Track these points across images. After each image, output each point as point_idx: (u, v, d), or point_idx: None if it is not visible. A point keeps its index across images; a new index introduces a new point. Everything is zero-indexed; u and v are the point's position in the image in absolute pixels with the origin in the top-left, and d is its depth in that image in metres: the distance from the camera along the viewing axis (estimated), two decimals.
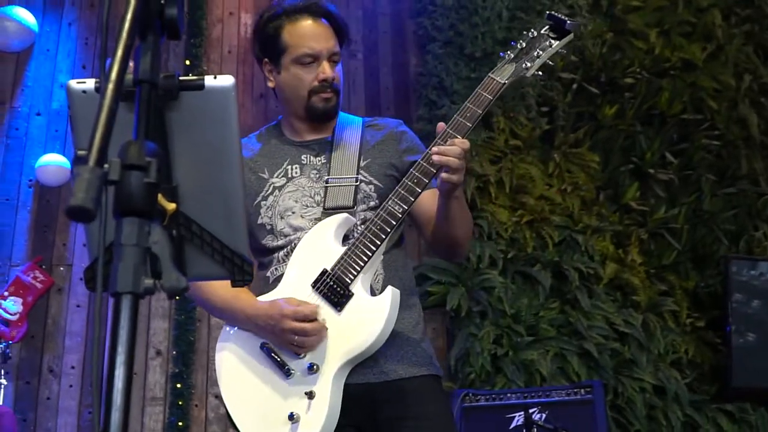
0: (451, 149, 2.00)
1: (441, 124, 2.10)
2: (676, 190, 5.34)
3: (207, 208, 1.24)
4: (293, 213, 2.24)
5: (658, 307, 5.01)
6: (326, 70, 2.24)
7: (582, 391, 3.64)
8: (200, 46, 5.01)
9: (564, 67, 5.11)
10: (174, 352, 4.54)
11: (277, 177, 2.29)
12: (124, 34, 0.98)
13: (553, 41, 2.13)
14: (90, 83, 1.20)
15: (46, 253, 4.67)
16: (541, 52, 2.12)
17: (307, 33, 2.25)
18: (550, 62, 2.15)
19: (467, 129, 2.06)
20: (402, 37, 5.43)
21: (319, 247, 2.16)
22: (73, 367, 4.54)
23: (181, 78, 1.17)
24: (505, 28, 5.10)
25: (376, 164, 2.28)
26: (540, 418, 3.39)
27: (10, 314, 4.49)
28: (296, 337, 2.06)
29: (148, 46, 1.07)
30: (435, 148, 2.03)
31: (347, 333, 2.07)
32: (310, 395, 2.04)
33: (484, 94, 2.10)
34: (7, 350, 4.19)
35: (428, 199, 2.20)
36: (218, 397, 4.54)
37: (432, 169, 2.05)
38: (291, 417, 2.04)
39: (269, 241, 2.27)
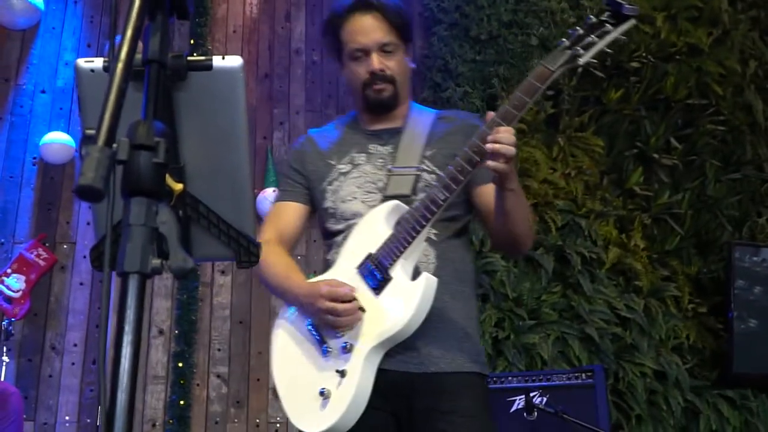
0: (504, 136, 1.98)
1: (490, 113, 2.07)
2: (680, 176, 5.33)
3: (214, 188, 1.24)
4: (354, 198, 2.29)
5: (661, 292, 5.01)
6: (373, 62, 2.29)
7: (583, 375, 3.64)
8: (205, 25, 4.99)
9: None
10: (176, 332, 4.56)
11: (343, 163, 2.36)
12: (134, 14, 0.98)
13: (610, 27, 2.04)
14: (98, 62, 1.20)
15: (49, 231, 4.68)
16: (596, 39, 2.04)
17: (356, 28, 2.30)
18: (608, 50, 2.05)
19: (515, 117, 2.03)
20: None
21: (369, 232, 2.20)
22: (75, 345, 4.56)
23: (189, 58, 1.16)
24: (511, 11, 5.07)
25: (440, 155, 2.29)
26: (541, 401, 3.40)
27: (13, 291, 4.50)
28: (329, 317, 2.11)
29: (157, 25, 1.06)
30: (490, 136, 2.00)
31: (381, 316, 2.10)
32: (342, 373, 2.09)
33: (534, 82, 2.04)
34: (10, 327, 4.21)
35: (492, 193, 2.19)
36: (219, 376, 4.56)
37: (476, 158, 2.03)
38: (322, 393, 2.10)
39: (331, 225, 2.34)
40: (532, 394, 3.44)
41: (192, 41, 4.94)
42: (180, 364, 4.48)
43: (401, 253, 2.10)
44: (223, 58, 1.19)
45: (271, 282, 2.34)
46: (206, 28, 5.01)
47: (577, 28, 2.07)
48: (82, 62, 1.21)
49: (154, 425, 4.44)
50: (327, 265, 2.33)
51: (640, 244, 5.06)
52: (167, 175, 1.04)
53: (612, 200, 5.11)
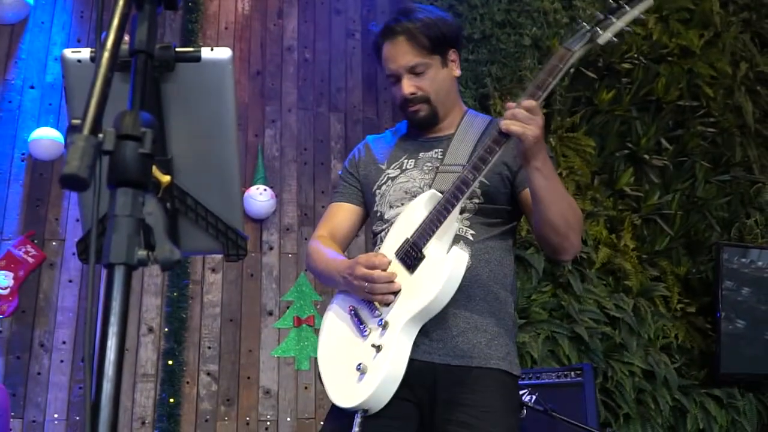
0: (514, 110, 2.05)
1: (510, 104, 2.11)
2: (670, 177, 5.35)
3: (202, 181, 1.24)
4: (402, 204, 2.35)
5: (650, 292, 5.03)
6: (402, 88, 2.37)
7: (572, 373, 3.66)
8: (196, 21, 4.97)
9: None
10: (166, 329, 4.54)
11: (392, 168, 2.44)
12: (121, 3, 0.97)
13: (628, 7, 2.12)
14: (85, 53, 1.19)
15: (38, 228, 4.65)
16: (614, 19, 2.11)
17: (387, 56, 2.39)
18: (628, 28, 2.14)
19: (538, 97, 2.08)
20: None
21: (407, 221, 2.27)
22: (64, 342, 4.53)
23: (177, 49, 1.16)
24: (504, 11, 5.08)
25: None
26: (530, 399, 3.40)
27: (1, 288, 4.48)
28: (366, 284, 2.18)
29: (145, 15, 1.05)
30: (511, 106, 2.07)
31: (414, 291, 2.15)
32: (378, 348, 2.14)
33: (556, 63, 2.10)
34: None
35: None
36: (210, 374, 4.55)
37: (502, 137, 2.09)
38: (358, 367, 2.15)
39: (378, 226, 2.42)
40: (521, 392, 3.44)
41: (183, 37, 4.92)
42: (170, 362, 4.47)
43: (434, 233, 2.16)
44: (212, 50, 1.18)
45: (319, 267, 2.41)
46: (197, 25, 4.99)
47: (598, 12, 2.15)
48: (69, 53, 1.20)
49: (143, 423, 4.43)
50: None
51: (630, 245, 5.08)
52: (154, 167, 1.03)
53: (602, 200, 5.12)
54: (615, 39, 2.13)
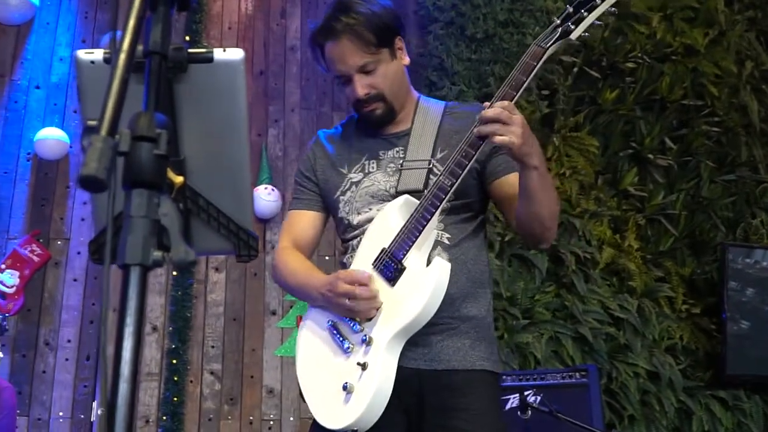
0: (488, 111, 1.98)
1: (486, 104, 2.05)
2: (674, 176, 5.34)
3: (214, 182, 1.24)
4: (369, 209, 2.28)
5: (654, 292, 5.02)
6: (355, 89, 2.26)
7: (577, 374, 3.65)
8: (200, 22, 4.98)
9: (565, 49, 5.09)
10: (170, 328, 4.55)
11: (354, 172, 2.34)
12: (137, 4, 0.97)
13: (598, 1, 2.04)
14: (98, 54, 1.19)
15: (43, 227, 4.66)
16: (586, 14, 2.05)
17: (333, 56, 2.27)
18: (598, 22, 2.07)
19: (512, 97, 2.03)
20: (403, 18, 5.40)
21: (382, 229, 2.20)
22: (69, 341, 4.54)
23: (190, 50, 1.16)
24: (507, 10, 5.08)
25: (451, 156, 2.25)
26: (535, 400, 3.40)
27: (7, 287, 4.49)
28: (347, 301, 2.11)
29: (159, 17, 1.06)
30: (485, 110, 2.01)
31: (397, 305, 2.10)
32: (363, 366, 2.08)
33: (529, 61, 2.05)
34: (4, 323, 4.19)
35: (511, 184, 2.19)
36: (213, 373, 4.56)
37: (478, 141, 2.03)
38: (345, 387, 2.09)
39: (347, 233, 2.33)
40: (526, 393, 3.45)
41: (187, 38, 4.93)
42: (174, 361, 4.47)
43: (413, 243, 2.10)
44: (224, 51, 1.18)
45: (291, 282, 2.34)
46: (201, 25, 5.00)
47: (567, 6, 2.09)
48: (82, 54, 1.20)
49: (147, 422, 4.43)
50: (344, 268, 2.31)
51: (634, 245, 5.07)
52: (168, 168, 1.03)
53: (606, 200, 5.12)
54: (587, 33, 2.08)
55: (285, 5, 5.35)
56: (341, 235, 2.38)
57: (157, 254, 0.96)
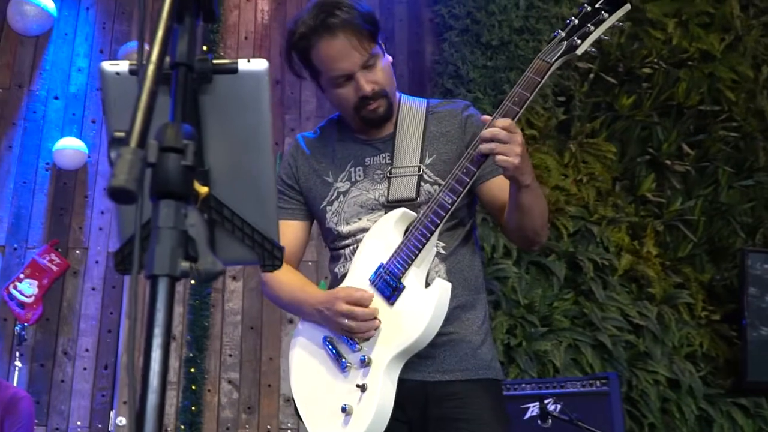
0: (486, 131, 1.94)
1: (486, 117, 2.01)
2: (692, 182, 5.31)
3: (238, 192, 1.23)
4: (359, 219, 2.22)
5: (674, 299, 4.99)
6: (363, 86, 2.15)
7: (598, 382, 3.63)
8: (217, 32, 5.00)
9: (581, 56, 5.08)
10: (188, 337, 4.56)
11: (341, 181, 2.27)
12: (164, 16, 0.97)
13: (606, 14, 1.99)
14: (123, 65, 1.20)
15: (62, 237, 4.69)
16: (592, 28, 1.99)
17: (331, 55, 2.13)
18: (605, 36, 2.02)
19: (515, 114, 1.98)
20: (418, 25, 5.42)
21: (379, 242, 2.15)
22: (87, 350, 4.56)
23: (214, 61, 1.16)
24: (522, 17, 5.08)
25: (440, 161, 2.21)
26: (555, 409, 3.38)
27: (26, 296, 4.51)
28: (346, 321, 2.06)
29: (185, 28, 1.06)
30: (484, 129, 1.96)
31: (397, 326, 2.05)
32: (363, 388, 2.04)
33: (532, 76, 2.00)
34: (23, 332, 4.22)
35: (500, 187, 2.16)
36: (231, 382, 4.56)
37: (480, 157, 1.98)
38: (344, 409, 2.05)
39: (337, 242, 2.28)
40: (546, 402, 3.42)
41: (204, 48, 4.95)
42: (192, 370, 4.48)
43: (412, 261, 2.06)
44: (249, 61, 1.18)
45: (285, 297, 2.29)
46: (218, 35, 5.02)
47: (572, 18, 2.03)
48: (107, 65, 1.20)
49: (165, 431, 4.44)
50: (336, 277, 2.27)
51: (653, 251, 5.05)
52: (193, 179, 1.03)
53: (624, 207, 5.10)
54: (593, 49, 2.02)
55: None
56: (329, 244, 2.32)
57: (184, 265, 0.96)
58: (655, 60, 5.29)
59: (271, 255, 1.27)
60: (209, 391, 4.57)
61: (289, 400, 4.65)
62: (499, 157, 1.93)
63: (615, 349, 4.64)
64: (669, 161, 5.25)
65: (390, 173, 2.21)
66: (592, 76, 5.18)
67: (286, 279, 2.26)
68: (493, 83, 4.98)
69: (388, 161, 2.24)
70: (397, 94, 2.31)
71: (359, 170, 2.26)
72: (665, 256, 5.12)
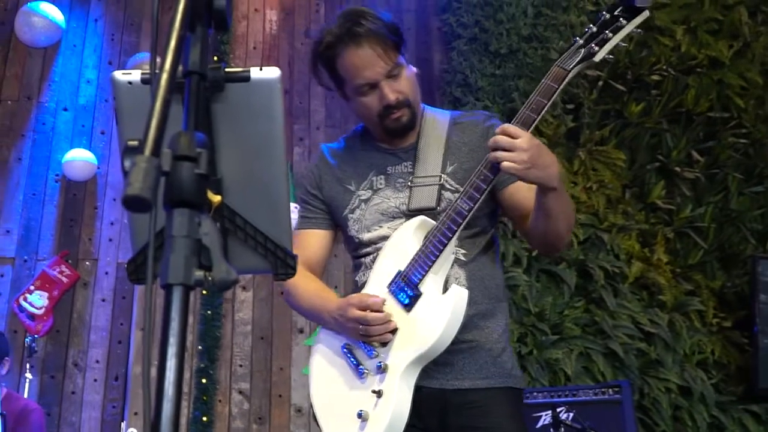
0: (498, 139, 1.95)
1: (504, 126, 2.01)
2: (702, 189, 5.30)
3: (251, 200, 1.23)
4: (380, 227, 2.24)
5: (685, 306, 4.98)
6: (387, 95, 2.17)
7: (610, 391, 3.61)
8: (226, 42, 5.02)
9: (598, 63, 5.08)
10: (199, 347, 4.55)
11: (363, 189, 2.28)
12: (177, 25, 0.97)
13: (624, 21, 2.00)
14: (136, 74, 1.20)
15: (72, 248, 4.70)
16: (610, 35, 1.99)
17: (356, 64, 2.16)
18: (622, 43, 2.02)
19: (533, 120, 1.98)
20: (427, 34, 5.43)
21: (397, 250, 2.16)
22: (97, 362, 4.56)
23: (227, 70, 1.16)
24: (530, 25, 5.08)
25: (462, 170, 2.21)
26: (567, 417, 3.37)
27: (36, 308, 4.52)
28: (360, 326, 2.07)
29: (197, 37, 1.06)
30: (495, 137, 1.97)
31: (414, 332, 2.06)
32: (378, 394, 2.05)
33: (550, 83, 2.00)
34: (33, 344, 4.22)
35: (521, 192, 2.16)
36: (241, 392, 4.55)
37: (496, 165, 1.98)
38: (360, 415, 2.06)
39: (358, 251, 2.29)
40: (558, 410, 3.41)
41: (215, 58, 4.97)
42: (203, 380, 4.48)
43: (429, 267, 2.06)
44: (261, 69, 1.18)
45: (304, 304, 2.30)
46: (227, 46, 5.04)
47: (591, 25, 2.03)
48: (119, 74, 1.21)
49: None
50: (356, 286, 2.29)
51: (663, 258, 5.03)
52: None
53: (634, 214, 5.08)
54: (611, 56, 2.03)
55: (309, 24, 5.38)
56: (351, 252, 2.34)
57: (198, 274, 0.96)
58: (663, 67, 5.28)
59: (284, 263, 1.27)
60: (220, 401, 4.57)
61: (300, 410, 4.64)
62: (504, 164, 1.93)
63: (626, 357, 4.62)
64: (679, 168, 5.23)
65: (411, 182, 2.22)
66: (600, 83, 5.17)
67: (306, 287, 2.28)
68: (501, 91, 4.98)
69: (409, 170, 2.25)
70: (421, 106, 2.33)
71: (381, 179, 2.28)
72: (676, 264, 5.10)
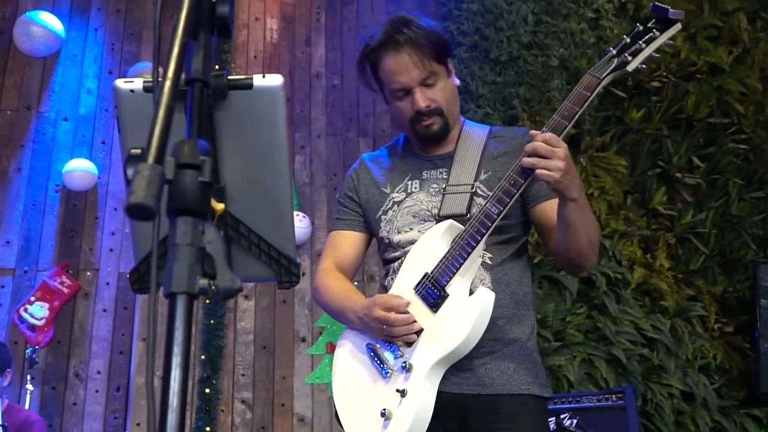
0: (529, 145, 1.98)
1: (533, 132, 2.04)
2: (703, 195, 5.30)
3: (254, 208, 1.23)
4: (411, 229, 2.27)
5: (686, 312, 4.97)
6: (417, 101, 2.23)
7: (613, 397, 3.60)
8: (227, 51, 5.02)
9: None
10: (202, 357, 4.54)
11: (397, 192, 2.34)
12: (180, 32, 0.97)
13: (657, 33, 2.04)
14: (138, 83, 1.19)
15: (72, 258, 4.69)
16: (644, 45, 2.03)
17: (393, 68, 2.25)
18: (656, 54, 2.06)
19: (564, 127, 2.01)
20: None
21: (425, 253, 2.19)
22: (99, 372, 4.55)
23: (230, 77, 1.16)
24: (530, 32, 5.08)
25: (495, 178, 2.22)
26: (571, 423, 3.36)
27: (37, 319, 4.51)
28: (384, 327, 2.10)
29: (200, 44, 1.05)
30: (530, 143, 1.99)
31: (440, 332, 2.08)
32: (402, 393, 2.06)
33: (582, 91, 2.03)
34: (34, 355, 4.21)
35: (553, 209, 2.16)
36: (244, 401, 4.54)
37: (527, 171, 2.01)
38: (383, 414, 2.07)
39: (388, 253, 2.32)
40: (562, 417, 3.40)
41: (217, 66, 4.97)
42: (206, 390, 4.46)
43: (457, 270, 2.09)
44: (264, 77, 1.18)
45: (331, 304, 2.34)
46: (228, 54, 5.04)
47: (624, 36, 2.07)
48: (121, 83, 1.20)
49: None
50: (385, 291, 2.29)
51: (665, 264, 5.03)
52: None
53: (636, 220, 5.08)
54: (644, 66, 2.06)
55: (309, 33, 5.38)
56: (382, 255, 2.37)
57: (202, 282, 0.95)
58: (663, 73, 5.28)
59: (288, 271, 1.27)
60: (222, 411, 4.56)
61: (303, 419, 4.62)
62: (539, 171, 1.95)
63: (629, 363, 4.61)
64: (680, 174, 5.23)
65: (445, 189, 2.26)
66: (601, 90, 5.16)
67: (335, 286, 2.32)
68: (502, 98, 4.98)
69: (444, 176, 2.30)
70: (462, 119, 2.40)
71: (416, 183, 2.33)
72: (677, 269, 5.10)
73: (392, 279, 2.27)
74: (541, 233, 2.29)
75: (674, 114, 5.31)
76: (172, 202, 0.96)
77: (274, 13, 5.33)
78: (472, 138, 2.34)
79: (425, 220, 2.25)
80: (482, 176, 2.26)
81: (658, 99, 5.28)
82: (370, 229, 2.40)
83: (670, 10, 2.03)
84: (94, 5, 5.16)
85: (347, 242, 2.40)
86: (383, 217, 2.33)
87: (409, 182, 2.34)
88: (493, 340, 2.12)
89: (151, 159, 0.88)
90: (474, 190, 2.23)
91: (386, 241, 2.32)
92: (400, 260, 2.27)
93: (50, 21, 4.87)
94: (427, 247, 2.19)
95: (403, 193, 2.33)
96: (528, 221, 2.31)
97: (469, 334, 2.03)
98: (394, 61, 2.24)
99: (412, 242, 2.25)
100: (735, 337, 5.08)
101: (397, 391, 2.07)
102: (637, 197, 5.19)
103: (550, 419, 3.50)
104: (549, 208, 2.20)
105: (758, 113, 5.51)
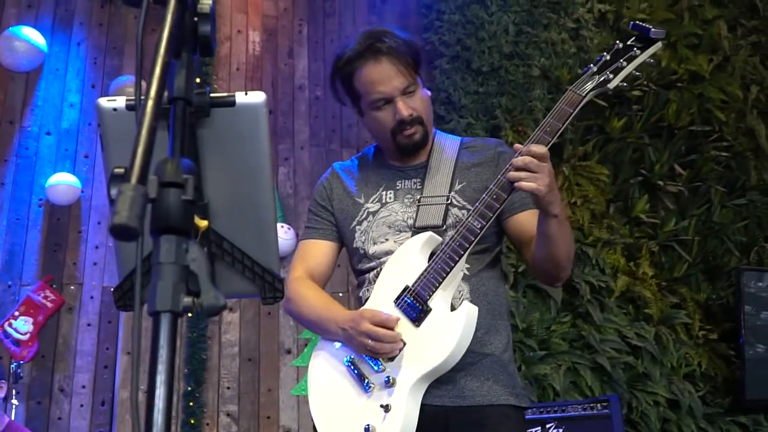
0: (518, 160, 1.99)
1: (517, 146, 2.05)
2: (685, 202, 5.33)
3: (238, 224, 1.24)
4: (386, 240, 2.27)
5: (671, 319, 5.00)
6: (401, 110, 2.23)
7: (599, 405, 3.62)
8: (209, 64, 5.01)
9: (571, 80, 5.11)
10: (186, 370, 4.52)
11: (371, 202, 2.33)
12: (162, 51, 0.98)
13: (638, 51, 2.08)
14: (120, 101, 1.20)
15: (56, 273, 4.66)
16: (625, 63, 2.07)
17: (374, 78, 2.23)
18: (636, 72, 2.10)
19: (547, 143, 2.03)
20: None
21: (403, 265, 2.18)
22: (83, 387, 4.52)
23: (212, 95, 1.16)
24: (512, 42, 5.11)
25: (470, 188, 2.26)
26: None
27: (21, 334, 4.48)
28: (370, 341, 2.08)
29: (182, 63, 1.06)
30: (517, 156, 2.01)
31: (423, 348, 2.08)
32: (386, 408, 2.06)
33: (564, 107, 2.06)
34: (18, 370, 4.18)
35: (529, 221, 2.19)
36: (229, 414, 4.52)
37: (510, 185, 2.03)
38: (367, 429, 2.06)
39: (362, 264, 2.31)
40: (548, 426, 3.42)
41: (198, 80, 4.97)
42: (190, 404, 4.44)
43: (439, 284, 2.09)
44: (246, 94, 1.18)
45: (308, 314, 2.31)
46: (210, 67, 5.04)
47: (604, 53, 2.10)
48: (104, 101, 1.21)
49: None
50: (360, 302, 2.29)
51: (649, 272, 5.05)
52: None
53: (619, 228, 5.11)
54: (624, 84, 2.10)
55: (292, 45, 5.39)
56: (355, 266, 2.36)
57: (187, 300, 0.96)
58: (644, 82, 5.32)
59: (272, 287, 1.27)
60: (207, 424, 4.54)
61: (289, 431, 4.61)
62: (525, 184, 1.97)
63: (614, 371, 4.63)
64: (662, 182, 5.27)
65: (419, 201, 2.27)
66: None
67: (312, 297, 2.30)
68: (484, 109, 5.00)
69: (418, 186, 2.31)
70: (434, 130, 2.40)
71: (390, 193, 2.33)
72: (661, 277, 5.13)
73: (368, 290, 2.26)
74: (516, 243, 2.31)
75: (656, 122, 5.35)
76: (156, 221, 0.96)
77: (257, 26, 5.34)
78: (445, 149, 2.35)
79: (401, 231, 2.26)
80: (457, 186, 2.27)
81: (640, 108, 5.32)
82: (342, 239, 2.38)
83: (652, 29, 2.08)
84: (76, 20, 5.14)
85: (320, 251, 2.37)
86: (358, 227, 2.32)
87: (384, 192, 2.33)
88: (472, 352, 2.12)
89: (134, 179, 0.89)
90: (449, 201, 2.24)
91: (361, 251, 2.30)
92: (376, 271, 2.26)
93: (33, 36, 4.86)
94: (406, 259, 2.19)
95: (378, 204, 2.32)
96: (501, 231, 2.32)
97: (453, 350, 2.04)
98: (374, 70, 2.22)
99: (388, 253, 2.24)
100: (719, 344, 5.12)
101: (381, 406, 2.07)
102: (619, 206, 5.22)
103: (535, 428, 3.52)
104: (524, 219, 2.23)
105: (739, 120, 5.56)
